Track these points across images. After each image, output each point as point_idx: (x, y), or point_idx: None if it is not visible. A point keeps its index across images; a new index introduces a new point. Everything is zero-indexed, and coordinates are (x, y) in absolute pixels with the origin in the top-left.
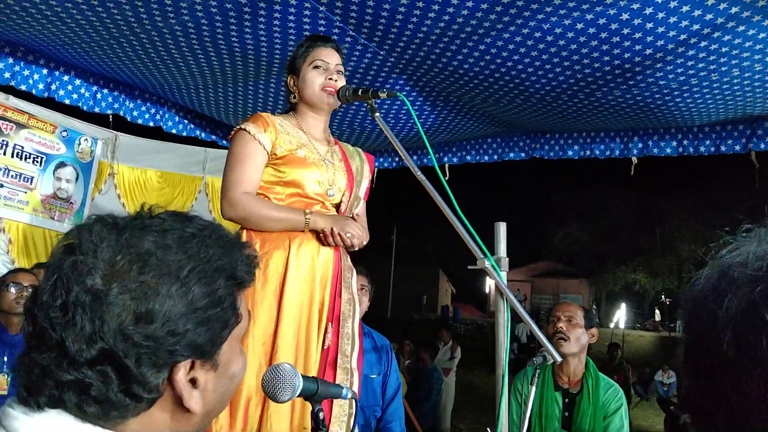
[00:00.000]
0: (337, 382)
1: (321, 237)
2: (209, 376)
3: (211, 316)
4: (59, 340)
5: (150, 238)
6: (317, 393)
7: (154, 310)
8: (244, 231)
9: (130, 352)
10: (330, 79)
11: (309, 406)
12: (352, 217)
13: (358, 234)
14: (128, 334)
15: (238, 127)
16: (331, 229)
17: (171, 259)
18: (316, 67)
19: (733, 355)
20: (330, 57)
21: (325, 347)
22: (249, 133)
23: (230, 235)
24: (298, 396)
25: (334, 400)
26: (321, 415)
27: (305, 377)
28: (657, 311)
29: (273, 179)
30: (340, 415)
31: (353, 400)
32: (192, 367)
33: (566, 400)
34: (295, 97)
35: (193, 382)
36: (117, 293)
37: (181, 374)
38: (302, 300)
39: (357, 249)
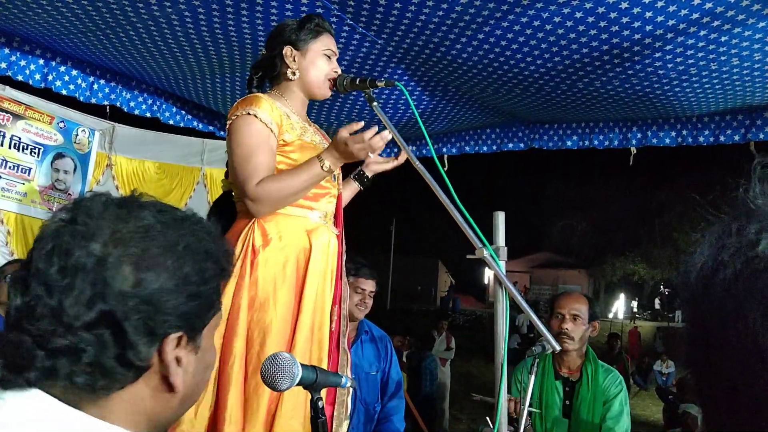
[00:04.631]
0: (340, 364)
1: (334, 223)
2: (191, 358)
3: (200, 293)
4: (56, 305)
5: (149, 213)
6: (316, 382)
7: (151, 278)
8: (256, 223)
9: (130, 315)
10: (335, 71)
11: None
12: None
13: (372, 134)
14: (128, 297)
15: (245, 112)
16: (361, 149)
17: (168, 233)
18: (327, 56)
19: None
20: (335, 47)
21: (332, 330)
22: (260, 119)
23: (213, 227)
24: (297, 385)
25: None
26: (320, 403)
27: (304, 366)
28: (657, 301)
29: (283, 167)
30: (340, 395)
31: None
32: (178, 344)
33: (566, 388)
34: (294, 74)
35: (177, 361)
36: (118, 259)
37: (171, 347)
38: (318, 292)
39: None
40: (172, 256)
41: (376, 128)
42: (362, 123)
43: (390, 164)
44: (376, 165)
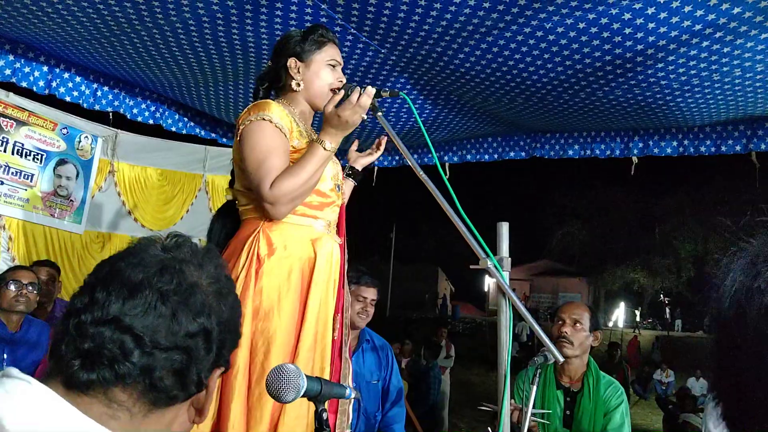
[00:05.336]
0: (342, 373)
1: (337, 232)
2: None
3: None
4: (168, 312)
5: (220, 259)
6: (321, 393)
7: (228, 314)
8: (261, 232)
9: (217, 338)
10: (339, 81)
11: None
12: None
13: (357, 95)
14: (218, 323)
15: (258, 117)
16: (352, 112)
17: (231, 280)
18: (332, 65)
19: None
20: (340, 57)
21: (335, 339)
22: (274, 123)
23: None
24: (302, 396)
25: None
26: (324, 415)
27: (309, 377)
28: (667, 309)
29: None
30: (342, 404)
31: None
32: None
33: (568, 398)
34: (299, 85)
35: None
36: (217, 290)
37: (215, 376)
38: (321, 301)
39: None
40: (236, 298)
41: (358, 89)
42: (342, 92)
43: (375, 155)
44: (363, 159)
